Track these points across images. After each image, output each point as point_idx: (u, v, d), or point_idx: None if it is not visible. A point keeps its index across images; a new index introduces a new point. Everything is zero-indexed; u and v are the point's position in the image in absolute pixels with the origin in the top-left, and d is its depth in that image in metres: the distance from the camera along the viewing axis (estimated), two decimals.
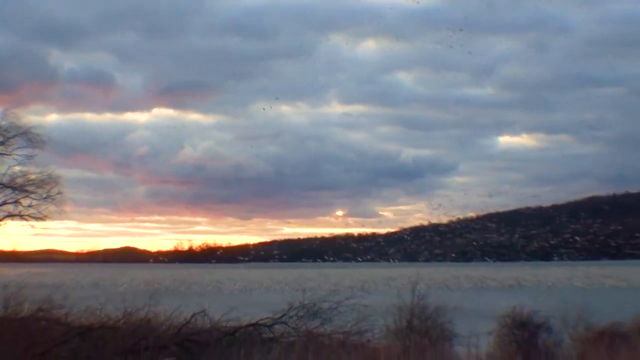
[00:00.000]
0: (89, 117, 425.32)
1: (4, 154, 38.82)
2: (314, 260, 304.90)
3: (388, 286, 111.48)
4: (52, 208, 39.43)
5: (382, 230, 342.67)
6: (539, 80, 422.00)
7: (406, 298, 30.83)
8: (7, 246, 58.23)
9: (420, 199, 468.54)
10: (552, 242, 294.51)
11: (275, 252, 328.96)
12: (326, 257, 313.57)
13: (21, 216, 39.42)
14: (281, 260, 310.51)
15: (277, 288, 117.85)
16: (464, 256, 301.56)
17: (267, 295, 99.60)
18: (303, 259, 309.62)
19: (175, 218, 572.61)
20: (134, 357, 22.53)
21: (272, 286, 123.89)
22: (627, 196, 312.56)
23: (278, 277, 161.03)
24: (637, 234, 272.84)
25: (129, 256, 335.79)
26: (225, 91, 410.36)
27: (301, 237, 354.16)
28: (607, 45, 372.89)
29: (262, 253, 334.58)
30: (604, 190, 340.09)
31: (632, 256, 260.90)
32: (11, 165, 39.25)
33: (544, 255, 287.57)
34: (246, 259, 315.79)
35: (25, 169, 39.61)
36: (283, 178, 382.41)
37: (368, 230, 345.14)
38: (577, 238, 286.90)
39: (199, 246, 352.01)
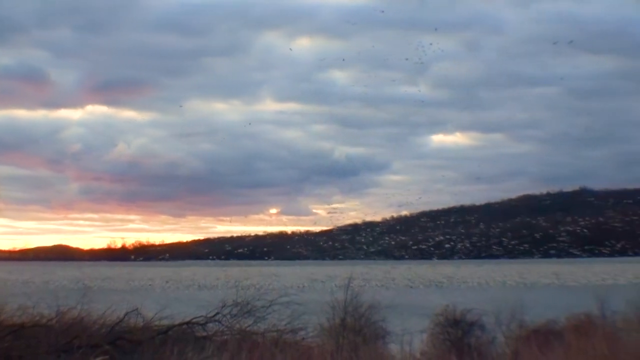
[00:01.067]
0: (22, 114, 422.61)
1: None
2: (247, 258, 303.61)
3: (322, 284, 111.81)
4: None
5: (316, 229, 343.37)
6: (472, 79, 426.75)
7: (340, 296, 30.92)
8: None
9: (354, 197, 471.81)
10: (485, 240, 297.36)
11: (208, 250, 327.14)
12: (259, 255, 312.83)
13: None
14: (214, 258, 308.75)
15: (210, 286, 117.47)
16: (397, 254, 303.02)
17: (201, 293, 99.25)
18: (235, 257, 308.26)
19: (109, 216, 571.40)
20: (67, 356, 22.28)
21: (205, 284, 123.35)
22: (560, 195, 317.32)
23: (211, 275, 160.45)
24: (570, 232, 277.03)
25: (61, 254, 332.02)
26: (159, 88, 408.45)
27: (234, 234, 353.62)
28: (541, 45, 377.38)
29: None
30: (538, 189, 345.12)
31: (567, 254, 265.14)
32: None
33: (478, 253, 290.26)
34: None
35: None
36: (217, 176, 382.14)
37: (302, 228, 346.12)
38: (510, 236, 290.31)
39: (132, 244, 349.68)
